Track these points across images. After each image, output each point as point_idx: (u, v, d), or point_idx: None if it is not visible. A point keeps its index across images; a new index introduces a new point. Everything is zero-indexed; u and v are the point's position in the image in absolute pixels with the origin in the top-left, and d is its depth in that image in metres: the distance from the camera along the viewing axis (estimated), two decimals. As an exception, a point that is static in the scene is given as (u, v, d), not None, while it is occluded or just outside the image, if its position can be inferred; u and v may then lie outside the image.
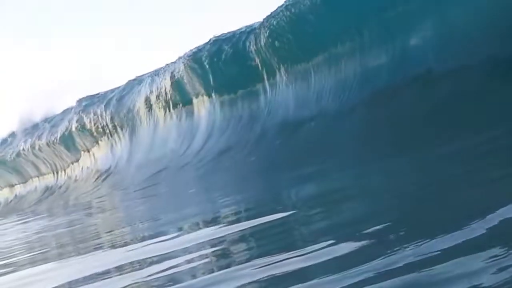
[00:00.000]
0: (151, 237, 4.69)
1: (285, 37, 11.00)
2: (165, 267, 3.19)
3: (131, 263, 3.65)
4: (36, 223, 11.53)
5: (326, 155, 7.48)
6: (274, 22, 11.13)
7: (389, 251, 2.44)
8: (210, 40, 13.81)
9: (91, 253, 4.56)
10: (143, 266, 3.44)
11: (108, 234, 6.00)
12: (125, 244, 4.61)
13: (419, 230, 2.74)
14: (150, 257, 3.64)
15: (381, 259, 2.36)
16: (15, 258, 5.42)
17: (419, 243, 2.45)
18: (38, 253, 5.54)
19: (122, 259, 3.83)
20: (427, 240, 2.47)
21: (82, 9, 52.11)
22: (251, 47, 11.98)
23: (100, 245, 5.03)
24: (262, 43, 11.58)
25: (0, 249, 7.15)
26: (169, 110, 16.20)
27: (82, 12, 52.54)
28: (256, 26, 11.93)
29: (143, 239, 4.68)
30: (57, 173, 23.52)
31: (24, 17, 52.60)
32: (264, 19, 11.55)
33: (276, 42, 11.24)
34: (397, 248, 2.46)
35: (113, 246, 4.70)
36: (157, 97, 16.28)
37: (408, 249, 2.42)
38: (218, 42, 13.45)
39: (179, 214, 6.29)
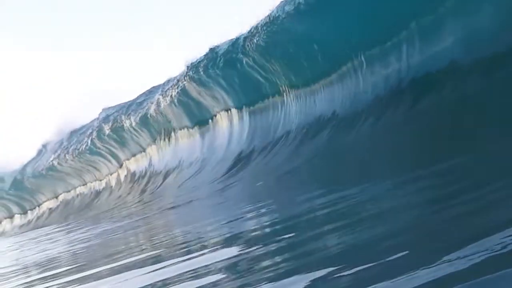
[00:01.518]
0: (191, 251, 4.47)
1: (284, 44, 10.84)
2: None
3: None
4: (68, 236, 11.53)
5: (342, 166, 7.23)
6: (266, 30, 10.97)
7: (416, 267, 2.25)
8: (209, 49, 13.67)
9: (127, 271, 4.29)
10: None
11: (149, 245, 5.82)
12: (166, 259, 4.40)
13: (445, 245, 2.52)
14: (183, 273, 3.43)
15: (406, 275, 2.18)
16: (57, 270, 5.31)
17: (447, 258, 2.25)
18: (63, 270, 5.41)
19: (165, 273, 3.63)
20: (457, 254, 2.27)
21: (111, 11, 52.72)
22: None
23: (136, 260, 4.82)
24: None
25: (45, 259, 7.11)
26: (189, 122, 16.19)
27: (111, 14, 53.26)
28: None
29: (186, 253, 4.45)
30: (97, 181, 23.65)
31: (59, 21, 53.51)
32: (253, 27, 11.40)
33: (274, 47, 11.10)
34: (424, 264, 2.26)
35: (147, 263, 4.48)
36: (171, 105, 16.22)
37: (433, 265, 2.22)
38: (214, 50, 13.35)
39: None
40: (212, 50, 13.58)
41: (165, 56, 46.95)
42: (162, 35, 52.33)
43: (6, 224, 30.79)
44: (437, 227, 2.95)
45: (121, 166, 21.19)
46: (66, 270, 5.28)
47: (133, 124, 18.75)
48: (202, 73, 13.95)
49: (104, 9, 56.42)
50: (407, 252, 2.57)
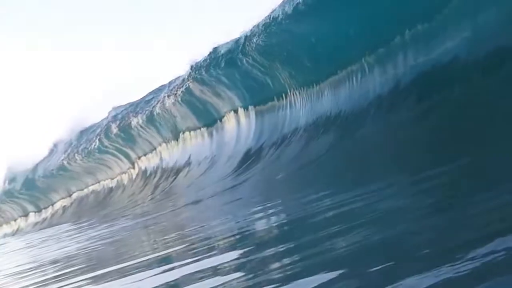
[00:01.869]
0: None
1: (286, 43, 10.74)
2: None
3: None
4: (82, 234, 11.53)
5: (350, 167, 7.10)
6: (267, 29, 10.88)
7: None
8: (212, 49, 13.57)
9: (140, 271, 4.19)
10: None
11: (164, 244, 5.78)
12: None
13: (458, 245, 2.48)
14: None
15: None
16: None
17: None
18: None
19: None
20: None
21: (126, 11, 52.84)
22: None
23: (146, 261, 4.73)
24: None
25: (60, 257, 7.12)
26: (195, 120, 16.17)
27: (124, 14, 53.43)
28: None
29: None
30: (108, 180, 23.60)
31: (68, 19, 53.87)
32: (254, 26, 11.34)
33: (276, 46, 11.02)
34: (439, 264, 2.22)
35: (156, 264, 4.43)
36: (179, 104, 16.15)
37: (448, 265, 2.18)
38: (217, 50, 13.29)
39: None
40: (215, 49, 13.50)
41: (174, 55, 46.85)
42: (173, 34, 52.19)
43: (21, 222, 30.93)
44: (456, 226, 2.89)
45: (133, 165, 21.14)
46: (79, 269, 5.25)
47: (141, 122, 18.71)
48: (207, 72, 13.90)
49: (114, 9, 56.50)
50: (428, 250, 2.53)
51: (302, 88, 11.26)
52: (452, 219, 3.05)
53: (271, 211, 5.83)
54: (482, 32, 6.74)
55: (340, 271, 2.56)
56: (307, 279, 2.57)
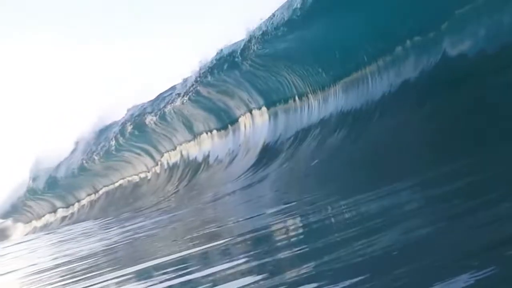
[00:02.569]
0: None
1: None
2: None
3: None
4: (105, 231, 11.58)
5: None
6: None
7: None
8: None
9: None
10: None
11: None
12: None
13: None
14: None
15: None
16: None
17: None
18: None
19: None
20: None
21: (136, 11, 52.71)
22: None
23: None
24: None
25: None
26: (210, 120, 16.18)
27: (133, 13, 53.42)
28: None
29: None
30: (125, 180, 23.66)
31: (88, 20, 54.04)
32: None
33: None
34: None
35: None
36: (194, 103, 16.13)
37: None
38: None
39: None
40: (222, 49, 13.46)
41: (190, 53, 46.53)
42: (187, 33, 51.79)
43: (50, 218, 31.22)
44: (481, 229, 2.81)
45: (157, 163, 21.12)
46: (102, 267, 5.28)
47: (155, 120, 18.70)
48: (211, 74, 13.87)
49: (134, 8, 56.25)
50: (452, 255, 2.50)
51: (315, 90, 11.20)
52: (475, 223, 2.97)
53: (288, 212, 5.77)
54: (491, 31, 6.66)
55: (363, 277, 2.52)
56: (329, 286, 2.54)
